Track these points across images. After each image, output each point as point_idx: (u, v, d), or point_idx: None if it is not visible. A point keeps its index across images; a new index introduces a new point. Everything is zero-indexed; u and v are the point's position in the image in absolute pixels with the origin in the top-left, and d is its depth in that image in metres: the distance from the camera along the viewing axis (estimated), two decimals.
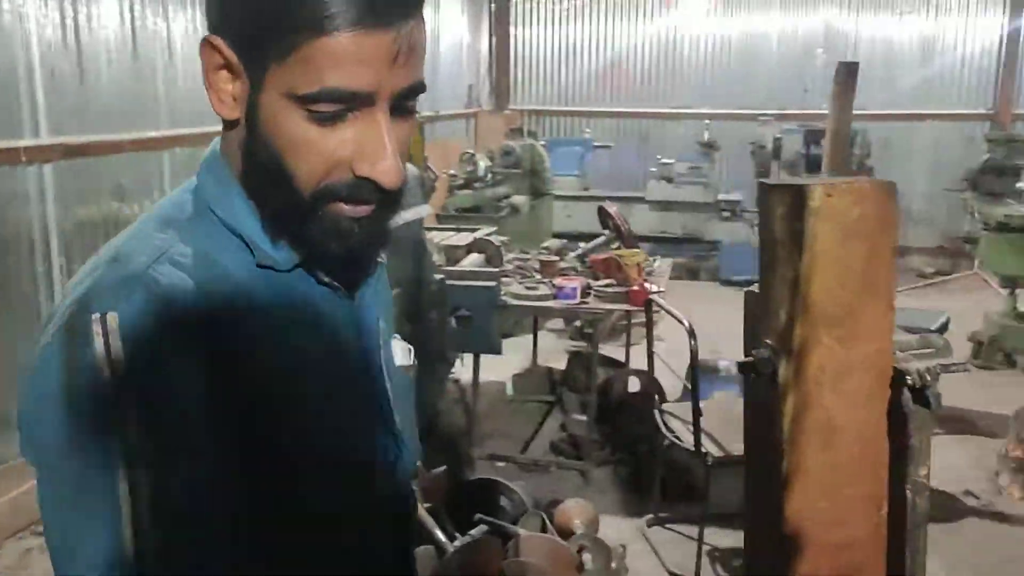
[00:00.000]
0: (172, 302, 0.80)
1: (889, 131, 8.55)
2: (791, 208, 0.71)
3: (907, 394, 0.80)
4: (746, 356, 1.24)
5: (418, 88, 0.85)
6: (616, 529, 3.57)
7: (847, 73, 3.96)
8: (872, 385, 0.74)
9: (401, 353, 1.04)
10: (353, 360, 0.96)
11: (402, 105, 0.84)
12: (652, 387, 4.32)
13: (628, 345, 4.98)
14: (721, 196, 8.10)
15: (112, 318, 0.78)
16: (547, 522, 3.18)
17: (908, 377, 0.80)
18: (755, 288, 1.07)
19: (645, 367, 4.54)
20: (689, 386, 3.28)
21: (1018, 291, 6.00)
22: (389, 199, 0.86)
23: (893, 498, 0.76)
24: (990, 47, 8.88)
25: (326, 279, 0.93)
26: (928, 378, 0.80)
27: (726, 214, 8.08)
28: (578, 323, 5.52)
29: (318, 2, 0.78)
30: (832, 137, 3.89)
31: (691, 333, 3.11)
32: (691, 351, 3.14)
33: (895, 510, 0.76)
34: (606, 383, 4.44)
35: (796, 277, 0.71)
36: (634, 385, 4.52)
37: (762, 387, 0.74)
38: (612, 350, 5.09)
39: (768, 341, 0.74)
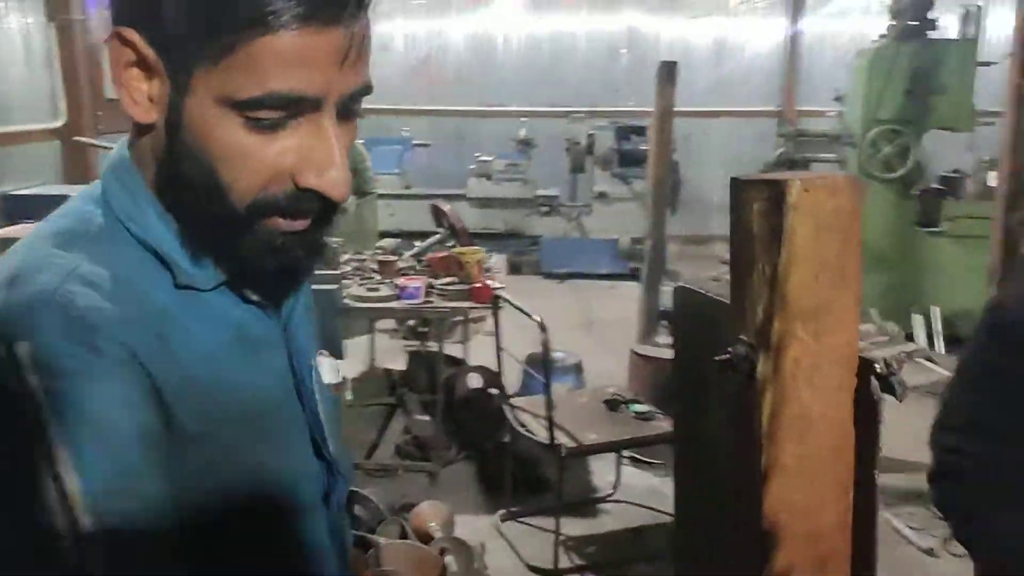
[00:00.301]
0: (92, 326, 0.70)
1: (689, 127, 9.08)
2: (769, 204, 0.72)
3: (875, 382, 0.84)
4: (678, 353, 1.26)
5: (366, 90, 0.78)
6: (471, 528, 3.56)
7: (668, 71, 4.16)
8: (842, 375, 0.76)
9: (329, 370, 0.97)
10: (284, 384, 0.88)
11: (348, 108, 0.77)
12: (496, 383, 4.36)
13: (467, 342, 4.99)
14: (539, 192, 8.31)
15: (25, 346, 0.67)
16: (406, 528, 3.12)
17: (876, 365, 0.83)
18: (684, 284, 1.09)
19: (482, 363, 4.59)
20: (542, 379, 3.32)
21: None
22: (329, 211, 0.79)
23: (857, 483, 0.79)
24: (776, 48, 9.65)
25: (254, 297, 0.84)
26: (894, 366, 0.84)
27: (545, 209, 8.31)
28: (412, 322, 5.47)
29: None
30: (658, 129, 4.07)
31: (542, 327, 3.15)
32: (543, 345, 3.18)
33: (859, 495, 0.79)
34: (448, 381, 4.43)
35: (774, 273, 0.72)
36: (475, 381, 4.53)
37: (740, 384, 0.75)
38: (446, 347, 5.07)
39: (744, 338, 0.75)
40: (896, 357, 0.94)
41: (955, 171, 6.36)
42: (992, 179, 5.72)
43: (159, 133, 0.77)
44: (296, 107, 0.73)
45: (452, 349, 5.03)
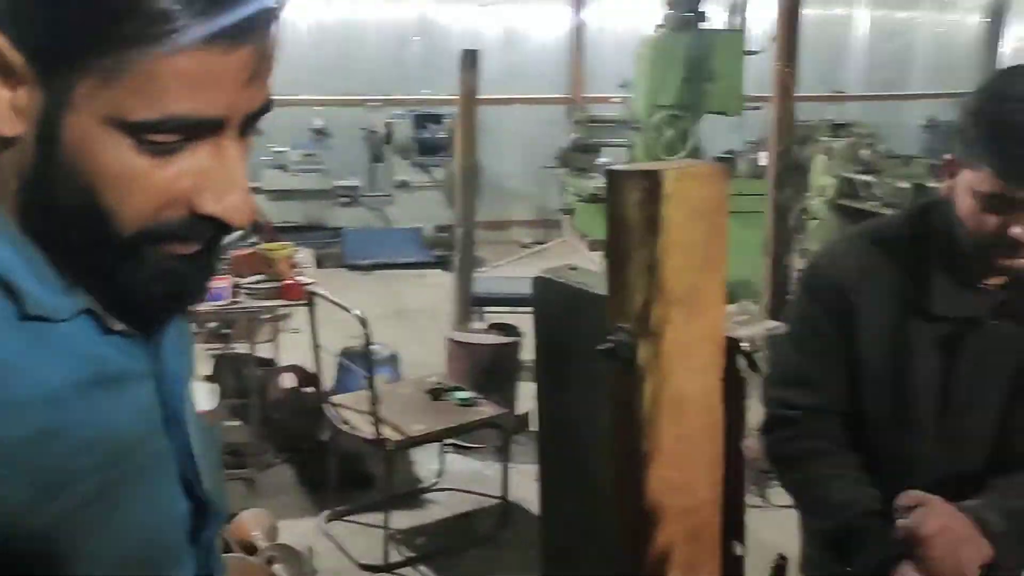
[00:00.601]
0: None
1: (484, 114, 9.20)
2: (646, 194, 0.74)
3: (741, 360, 0.88)
4: (540, 344, 1.27)
5: (268, 107, 0.72)
6: (296, 532, 3.46)
7: (470, 58, 4.21)
8: (712, 355, 0.80)
9: (202, 396, 0.89)
10: (151, 420, 0.78)
11: (248, 126, 0.71)
12: (311, 381, 4.25)
13: (275, 341, 4.82)
14: (338, 182, 8.15)
15: None
16: (228, 541, 2.99)
17: (742, 344, 0.88)
18: (544, 275, 1.11)
19: (293, 362, 4.45)
20: (361, 373, 3.27)
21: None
22: (223, 232, 0.72)
23: (726, 458, 0.84)
24: (563, 37, 9.98)
25: (119, 326, 0.75)
26: (759, 344, 0.89)
27: (345, 200, 8.16)
28: (213, 324, 5.20)
29: (164, 11, 0.62)
30: (463, 116, 4.11)
31: (363, 322, 3.11)
32: (364, 339, 3.14)
33: (728, 469, 0.84)
34: (259, 383, 4.27)
35: (652, 261, 0.75)
36: (288, 381, 4.40)
37: (618, 372, 0.77)
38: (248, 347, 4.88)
39: (624, 326, 0.77)
40: (760, 335, 1.01)
41: (728, 152, 6.87)
42: (761, 159, 6.23)
43: (26, 148, 0.67)
44: (196, 130, 0.67)
45: (260, 349, 4.84)
